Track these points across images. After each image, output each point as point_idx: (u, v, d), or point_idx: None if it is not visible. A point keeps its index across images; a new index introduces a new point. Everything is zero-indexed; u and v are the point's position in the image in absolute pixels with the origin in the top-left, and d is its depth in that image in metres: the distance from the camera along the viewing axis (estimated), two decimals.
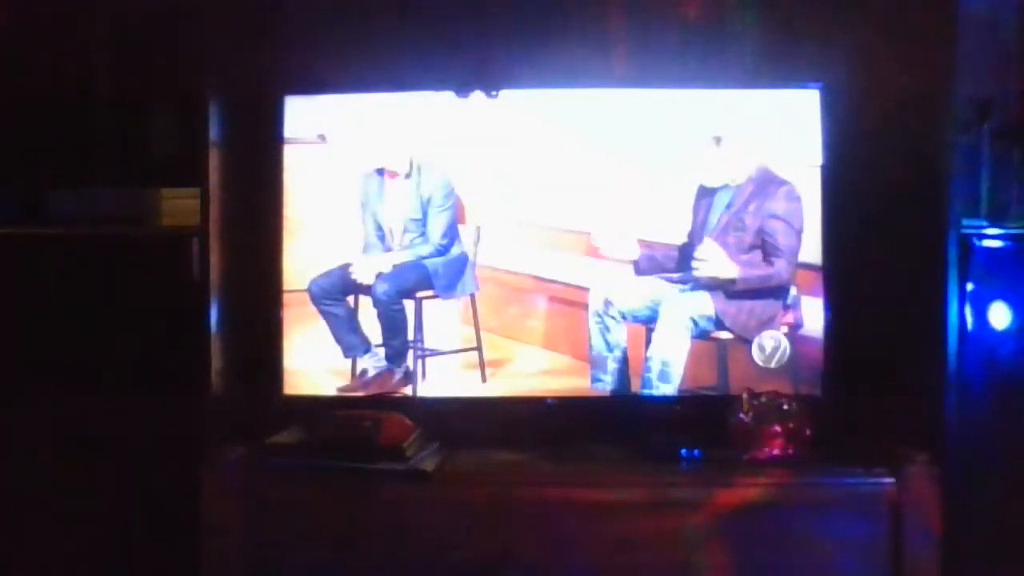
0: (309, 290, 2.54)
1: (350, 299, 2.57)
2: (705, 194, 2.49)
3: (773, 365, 2.48)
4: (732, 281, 2.46)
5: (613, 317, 2.50)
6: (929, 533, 2.23)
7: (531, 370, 2.58)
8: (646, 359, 2.48)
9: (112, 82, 2.65)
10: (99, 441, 2.44)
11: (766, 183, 2.46)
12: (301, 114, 2.52)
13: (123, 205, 2.55)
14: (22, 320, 2.50)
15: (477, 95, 2.50)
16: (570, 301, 2.57)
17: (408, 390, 2.56)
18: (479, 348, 2.58)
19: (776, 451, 2.31)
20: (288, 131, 2.52)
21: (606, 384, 2.50)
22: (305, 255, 2.55)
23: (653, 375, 2.47)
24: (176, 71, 2.53)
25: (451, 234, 2.58)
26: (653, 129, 2.50)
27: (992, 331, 2.37)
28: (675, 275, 2.51)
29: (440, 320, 2.59)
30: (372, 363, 2.56)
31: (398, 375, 2.56)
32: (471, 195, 2.57)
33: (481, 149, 2.54)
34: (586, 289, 2.53)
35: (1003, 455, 2.36)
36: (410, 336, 2.57)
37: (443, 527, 2.26)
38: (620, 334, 2.50)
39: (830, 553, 2.25)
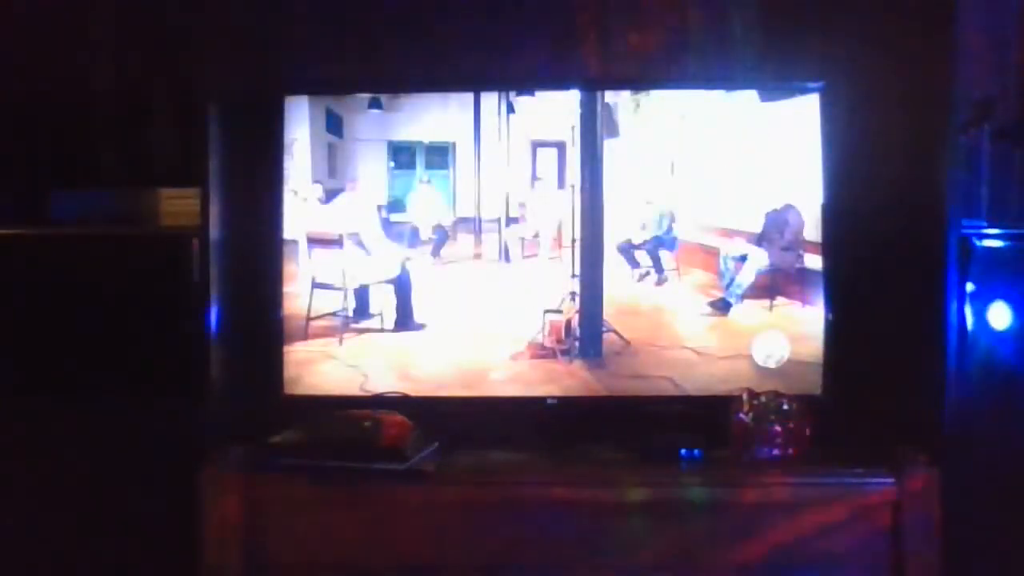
0: None
1: None
2: None
3: (773, 365, 2.48)
4: None
5: None
6: (929, 533, 2.23)
7: None
8: None
9: (112, 83, 2.65)
10: (99, 441, 2.44)
11: None
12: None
13: (123, 205, 2.55)
14: (22, 320, 2.50)
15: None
16: None
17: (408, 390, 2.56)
18: None
19: (776, 451, 2.31)
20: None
21: None
22: None
23: None
24: (176, 71, 2.53)
25: None
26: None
27: (992, 331, 2.37)
28: None
29: None
30: None
31: None
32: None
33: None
34: None
35: (1003, 455, 2.36)
36: None
37: (443, 527, 2.26)
38: None
39: (830, 553, 2.25)
